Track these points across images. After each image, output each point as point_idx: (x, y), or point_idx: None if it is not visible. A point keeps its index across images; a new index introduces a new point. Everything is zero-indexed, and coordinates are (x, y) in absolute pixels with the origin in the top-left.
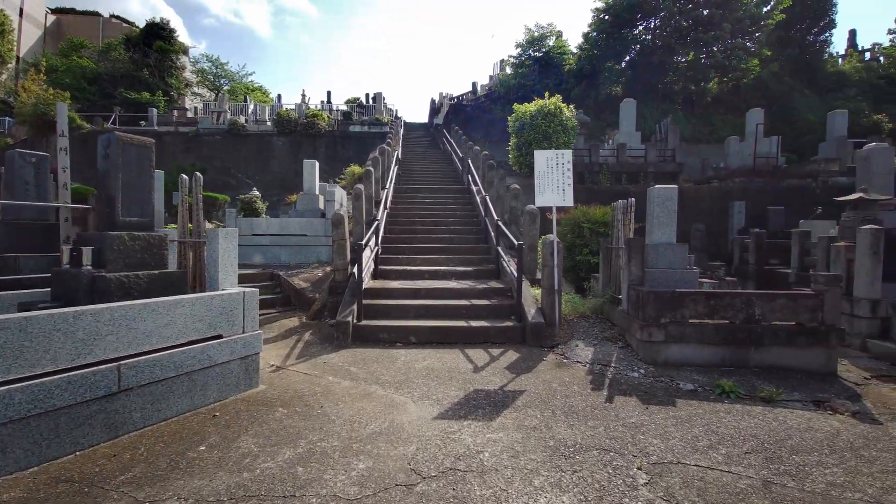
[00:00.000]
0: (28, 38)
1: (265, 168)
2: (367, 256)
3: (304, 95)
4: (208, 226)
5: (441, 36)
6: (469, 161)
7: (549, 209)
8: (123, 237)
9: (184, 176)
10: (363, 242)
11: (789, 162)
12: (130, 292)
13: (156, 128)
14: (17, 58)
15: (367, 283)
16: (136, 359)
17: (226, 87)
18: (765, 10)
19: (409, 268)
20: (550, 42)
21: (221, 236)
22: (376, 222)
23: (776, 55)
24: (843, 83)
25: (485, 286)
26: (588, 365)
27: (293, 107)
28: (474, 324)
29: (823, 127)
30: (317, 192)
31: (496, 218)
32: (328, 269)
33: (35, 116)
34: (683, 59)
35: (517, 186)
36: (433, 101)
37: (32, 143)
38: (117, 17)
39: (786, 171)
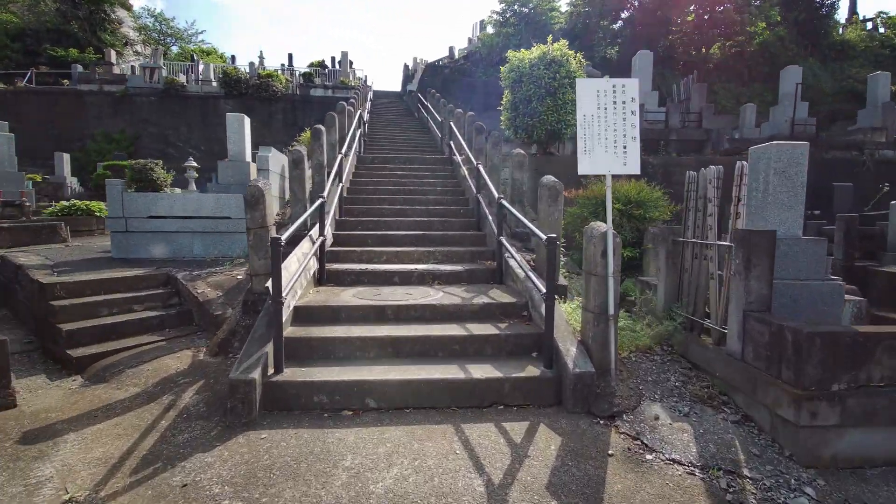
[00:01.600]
0: None
1: (211, 136)
2: (305, 254)
3: (260, 56)
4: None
5: (420, 13)
6: (451, 124)
7: (578, 180)
8: None
9: None
10: (287, 235)
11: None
12: None
13: (77, 86)
14: None
15: (306, 296)
16: None
17: (174, 49)
18: None
19: (371, 267)
20: None
21: None
22: (321, 200)
23: (782, 18)
24: (848, 52)
25: (485, 299)
26: (698, 472)
27: (246, 67)
28: (476, 371)
29: (833, 97)
30: (247, 158)
31: (497, 194)
32: None
33: None
34: (684, 20)
35: (521, 152)
36: (406, 67)
37: None
38: None
39: (828, 141)
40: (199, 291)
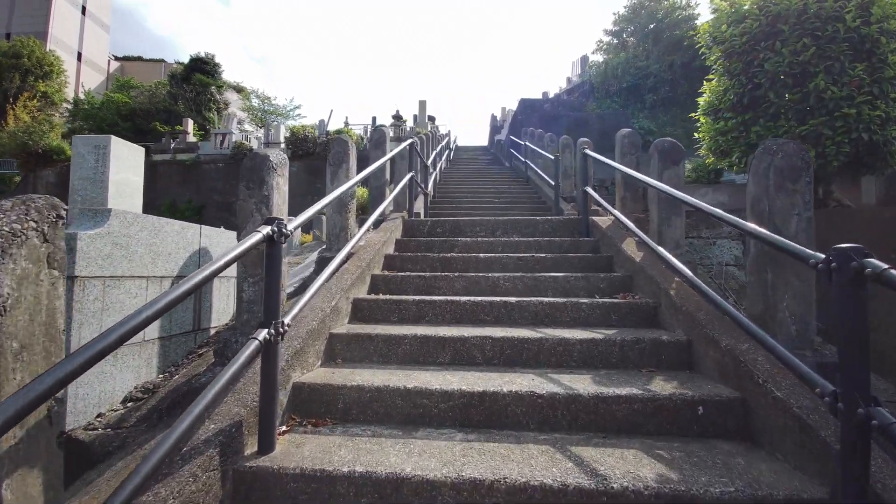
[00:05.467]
0: (90, 82)
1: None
2: None
3: (346, 119)
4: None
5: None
6: (588, 151)
7: None
8: None
9: None
10: None
11: None
12: None
13: (152, 157)
14: (76, 101)
15: None
16: None
17: (274, 124)
18: None
19: None
20: (666, 1)
21: None
22: None
23: None
24: None
25: None
26: None
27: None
28: None
29: None
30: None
31: None
32: None
33: (16, 147)
34: None
35: None
36: (494, 118)
37: (23, 178)
38: (180, 63)
39: None
40: None
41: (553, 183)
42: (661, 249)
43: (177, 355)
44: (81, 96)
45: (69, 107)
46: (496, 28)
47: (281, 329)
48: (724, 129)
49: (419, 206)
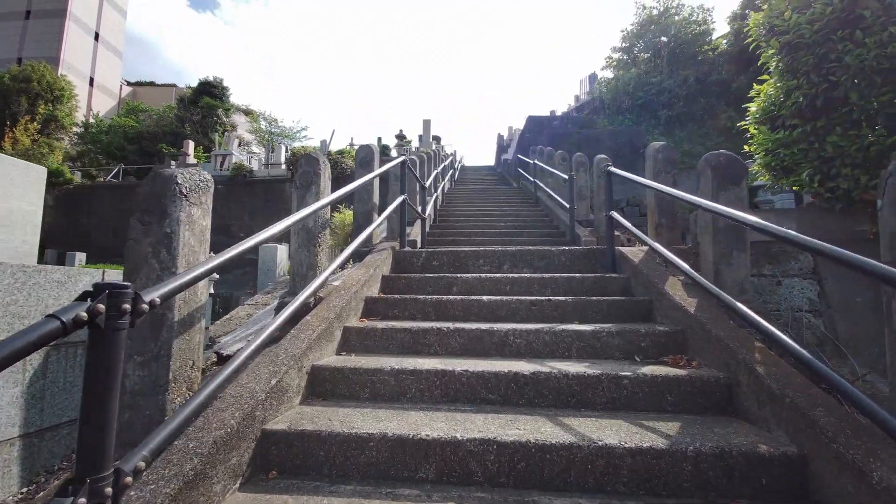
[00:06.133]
0: (102, 106)
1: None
2: None
3: (334, 134)
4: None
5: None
6: (611, 169)
7: None
8: None
9: None
10: None
11: None
12: None
13: None
14: (86, 125)
15: None
16: None
17: (283, 147)
18: None
19: None
20: (678, 16)
21: None
22: None
23: None
24: None
25: None
26: None
27: (317, 145)
28: None
29: None
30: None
31: None
32: None
33: None
34: None
35: None
36: (500, 137)
37: None
38: (191, 87)
39: None
40: None
41: (567, 206)
42: (741, 306)
43: (54, 455)
44: (91, 120)
45: (79, 130)
46: (495, 26)
47: (109, 490)
48: (786, 139)
49: (416, 233)
